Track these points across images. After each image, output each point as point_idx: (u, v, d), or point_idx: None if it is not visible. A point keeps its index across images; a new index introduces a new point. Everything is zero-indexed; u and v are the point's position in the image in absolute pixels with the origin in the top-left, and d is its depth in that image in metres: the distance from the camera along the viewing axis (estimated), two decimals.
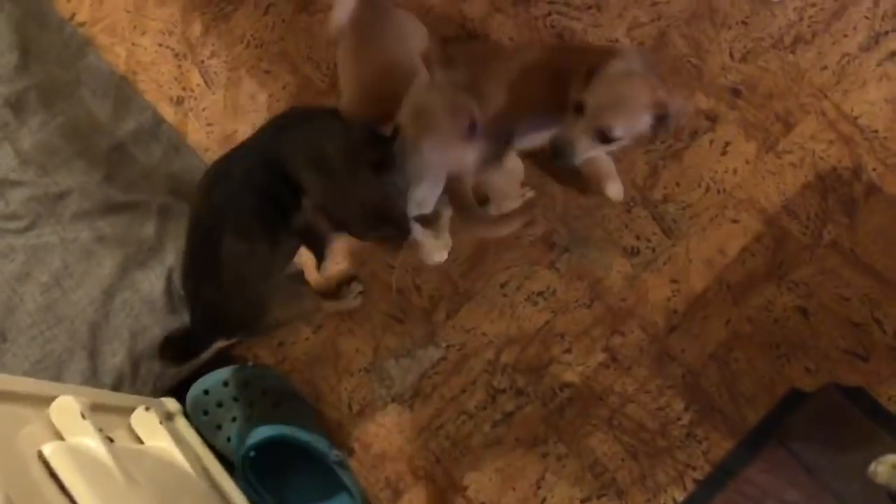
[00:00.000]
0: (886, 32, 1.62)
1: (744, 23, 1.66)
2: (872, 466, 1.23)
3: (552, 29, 1.69)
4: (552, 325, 1.57)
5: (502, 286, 1.59)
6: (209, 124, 1.73)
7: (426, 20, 1.68)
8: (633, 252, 1.58)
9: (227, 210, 1.21)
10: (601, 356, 1.54)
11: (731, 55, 1.65)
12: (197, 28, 1.79)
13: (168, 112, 1.74)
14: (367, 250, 1.62)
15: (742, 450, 1.48)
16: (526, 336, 1.57)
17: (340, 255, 1.61)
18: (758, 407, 1.49)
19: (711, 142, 1.61)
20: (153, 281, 1.57)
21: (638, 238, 1.59)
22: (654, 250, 1.58)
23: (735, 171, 1.59)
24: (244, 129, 1.71)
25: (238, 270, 1.24)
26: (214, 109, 1.74)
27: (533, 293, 1.58)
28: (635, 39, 1.67)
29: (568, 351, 1.55)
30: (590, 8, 1.70)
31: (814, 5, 1.66)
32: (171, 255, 1.59)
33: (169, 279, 1.57)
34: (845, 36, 1.63)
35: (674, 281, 1.56)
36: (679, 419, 1.50)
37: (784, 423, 1.46)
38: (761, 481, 1.45)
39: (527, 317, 1.57)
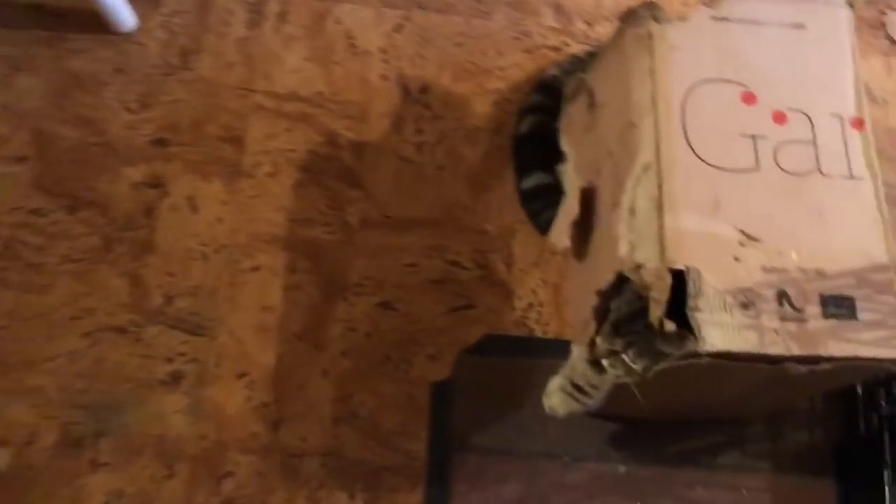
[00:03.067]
0: (258, 2, 1.44)
1: (120, 70, 1.36)
2: (545, 404, 1.01)
3: None
4: None
5: None
6: None
7: None
8: (175, 378, 1.19)
9: None
10: None
11: (128, 109, 1.33)
12: None
13: None
14: None
15: (435, 488, 1.18)
16: None
17: None
18: (416, 432, 1.21)
19: (173, 207, 1.28)
20: None
21: (170, 360, 1.20)
22: (196, 360, 1.21)
23: (220, 220, 1.28)
24: None
25: None
26: None
27: None
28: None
29: None
30: None
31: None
32: None
33: None
34: (228, 25, 1.41)
35: (241, 375, 1.21)
36: None
37: (450, 427, 1.20)
38: (475, 501, 1.18)
39: None
